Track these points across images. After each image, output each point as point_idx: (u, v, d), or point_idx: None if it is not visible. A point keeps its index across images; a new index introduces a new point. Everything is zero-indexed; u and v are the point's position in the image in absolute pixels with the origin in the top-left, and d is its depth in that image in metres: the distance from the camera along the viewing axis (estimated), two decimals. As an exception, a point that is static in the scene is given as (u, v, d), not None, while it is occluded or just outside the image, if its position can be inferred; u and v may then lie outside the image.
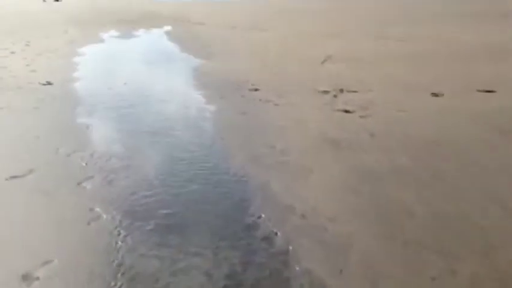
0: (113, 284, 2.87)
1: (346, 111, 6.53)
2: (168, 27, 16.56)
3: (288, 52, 11.30)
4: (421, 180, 4.23)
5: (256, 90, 7.84)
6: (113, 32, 15.38)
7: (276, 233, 3.39)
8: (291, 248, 3.21)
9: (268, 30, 15.24)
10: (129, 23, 17.52)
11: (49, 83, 8.09)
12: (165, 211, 3.75)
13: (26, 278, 2.91)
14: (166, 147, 5.22)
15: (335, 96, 7.37)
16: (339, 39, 13.04)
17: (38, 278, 2.91)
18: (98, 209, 3.76)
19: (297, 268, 3.00)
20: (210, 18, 19.10)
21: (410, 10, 21.32)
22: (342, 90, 7.66)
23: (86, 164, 4.70)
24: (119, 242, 3.29)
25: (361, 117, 6.26)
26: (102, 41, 13.68)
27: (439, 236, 3.29)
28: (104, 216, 3.65)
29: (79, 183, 4.23)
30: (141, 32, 15.64)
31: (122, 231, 3.43)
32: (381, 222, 3.47)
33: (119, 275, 2.95)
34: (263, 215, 3.66)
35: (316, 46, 12.07)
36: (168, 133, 5.71)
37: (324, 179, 4.30)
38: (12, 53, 11.36)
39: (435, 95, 7.24)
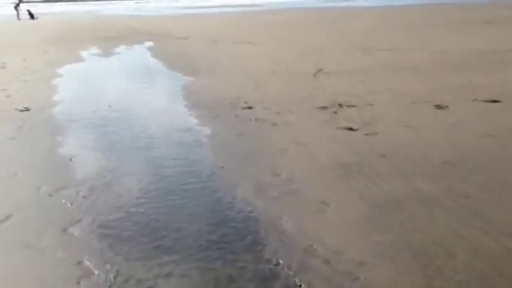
0: None
1: (350, 129, 6.12)
2: (150, 43, 16.03)
3: (278, 66, 10.89)
4: (449, 209, 3.81)
5: (250, 108, 7.39)
6: (94, 50, 14.79)
7: (300, 286, 2.92)
8: (319, 304, 2.74)
9: (253, 43, 14.85)
10: (110, 40, 16.94)
11: (27, 109, 7.50)
12: (166, 259, 3.25)
13: None
14: (161, 181, 4.70)
15: (335, 112, 6.96)
16: (326, 52, 12.69)
17: None
18: (87, 263, 3.23)
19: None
20: (193, 32, 18.63)
21: (390, 21, 21.22)
22: (340, 105, 7.26)
23: (72, 204, 4.17)
24: (116, 307, 2.79)
25: (366, 135, 5.85)
26: (82, 60, 13.09)
27: (489, 281, 2.85)
28: (96, 272, 3.13)
29: (64, 229, 3.70)
30: (123, 49, 15.08)
31: (118, 292, 2.92)
32: (418, 266, 3.02)
33: None
34: (281, 262, 3.18)
35: (305, 59, 11.69)
36: (162, 163, 5.20)
37: (341, 213, 3.85)
38: (-13, 76, 10.71)
39: (439, 107, 6.89)
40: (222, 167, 5.05)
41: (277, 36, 16.36)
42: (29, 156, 5.50)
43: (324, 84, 8.93)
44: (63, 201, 4.23)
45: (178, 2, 53.72)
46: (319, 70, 10.24)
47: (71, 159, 5.34)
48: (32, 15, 29.19)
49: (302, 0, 49.65)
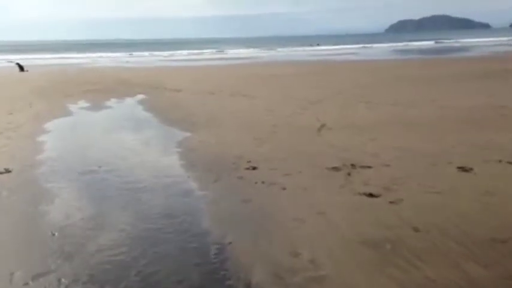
0: None
1: (371, 195, 5.47)
2: (142, 96, 15.47)
3: (278, 120, 10.35)
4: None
5: (254, 168, 6.74)
6: (83, 103, 14.15)
7: None
8: None
9: (250, 96, 14.41)
10: (100, 93, 16.38)
11: (7, 171, 6.75)
12: None
13: None
14: (159, 262, 3.96)
15: (349, 174, 6.33)
16: (327, 105, 12.23)
17: None
18: None
19: None
20: (186, 84, 18.22)
21: (389, 74, 21.06)
22: (354, 166, 6.65)
23: (51, 298, 3.40)
24: None
25: (391, 203, 5.20)
26: (70, 114, 12.43)
27: None
28: None
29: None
30: (113, 102, 14.48)
31: None
32: None
33: None
34: None
35: (306, 113, 11.19)
36: (158, 238, 4.46)
37: (386, 311, 3.13)
38: (-32, 132, 9.97)
39: (463, 169, 6.29)
40: (230, 243, 4.33)
41: (273, 89, 15.99)
42: (4, 232, 4.72)
43: (330, 140, 8.36)
44: (41, 293, 3.46)
45: (172, 54, 54.23)
46: (323, 125, 9.71)
47: (53, 234, 4.57)
48: (21, 68, 28.77)
49: (297, 53, 50.50)
